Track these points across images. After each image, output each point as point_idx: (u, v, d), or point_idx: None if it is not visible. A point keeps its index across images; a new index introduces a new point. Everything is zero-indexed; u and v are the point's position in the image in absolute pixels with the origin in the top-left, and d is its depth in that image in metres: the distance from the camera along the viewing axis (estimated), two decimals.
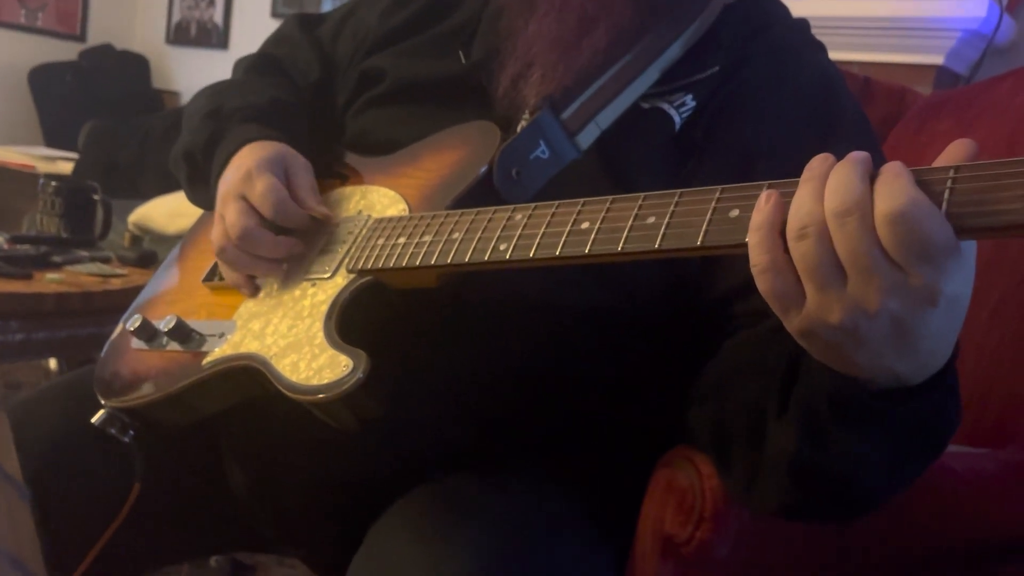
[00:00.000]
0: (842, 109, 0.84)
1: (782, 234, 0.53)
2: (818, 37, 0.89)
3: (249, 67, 1.07)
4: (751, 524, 0.74)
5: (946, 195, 0.49)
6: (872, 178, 0.51)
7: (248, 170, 0.83)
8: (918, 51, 1.93)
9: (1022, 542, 0.89)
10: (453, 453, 0.82)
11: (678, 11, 0.82)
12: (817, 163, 0.54)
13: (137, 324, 0.86)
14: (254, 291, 0.84)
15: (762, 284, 0.54)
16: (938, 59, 1.92)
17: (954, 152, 0.51)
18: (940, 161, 0.52)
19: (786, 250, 0.53)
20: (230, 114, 0.94)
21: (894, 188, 0.49)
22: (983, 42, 1.90)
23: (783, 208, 0.53)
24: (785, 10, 0.90)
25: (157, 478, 0.88)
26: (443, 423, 0.82)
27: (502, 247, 0.66)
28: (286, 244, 0.82)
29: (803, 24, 0.90)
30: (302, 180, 0.85)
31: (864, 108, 0.89)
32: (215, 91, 1.01)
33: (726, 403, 0.71)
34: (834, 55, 0.88)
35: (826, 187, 0.52)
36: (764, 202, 0.54)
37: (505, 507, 0.76)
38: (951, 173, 0.50)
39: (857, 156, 0.53)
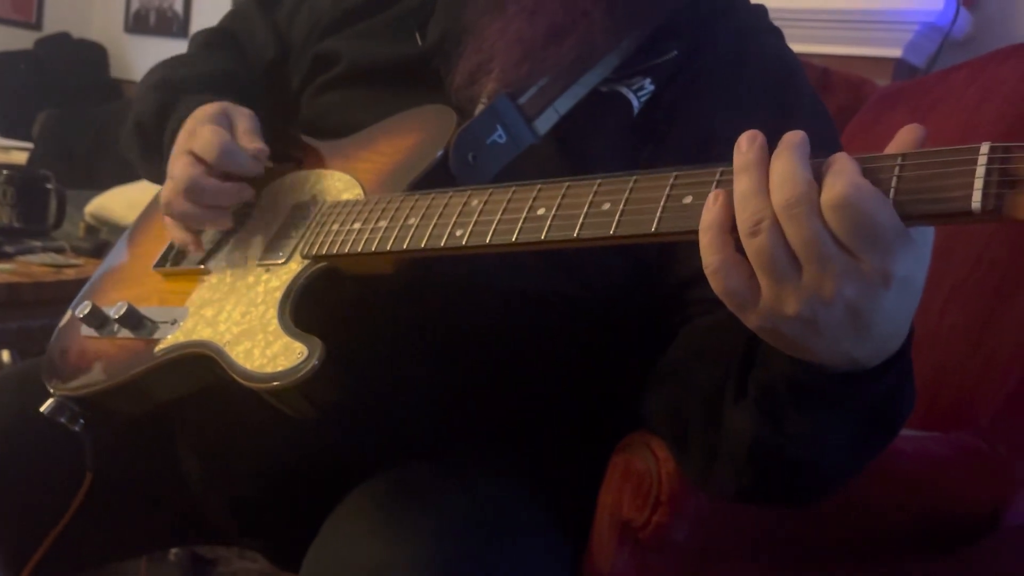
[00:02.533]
0: (800, 95, 0.84)
1: (731, 231, 0.53)
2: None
3: (204, 42, 1.06)
4: (708, 508, 0.74)
5: (894, 182, 0.50)
6: (819, 168, 0.52)
7: (191, 127, 0.83)
8: (876, 44, 1.96)
9: (973, 524, 0.90)
10: (411, 442, 0.82)
11: (651, 19, 0.82)
12: (746, 146, 0.54)
13: (87, 311, 0.84)
14: (201, 249, 0.83)
15: (715, 284, 0.54)
16: (896, 52, 1.94)
17: (904, 138, 0.52)
18: (891, 147, 0.52)
19: (737, 248, 0.53)
20: (180, 84, 0.93)
21: (839, 176, 0.50)
22: (940, 35, 1.92)
23: (731, 205, 0.53)
24: None
25: (109, 468, 0.87)
26: (400, 411, 0.82)
27: (458, 233, 0.66)
28: (233, 189, 0.81)
29: (761, 10, 0.90)
30: (241, 124, 0.84)
31: (822, 98, 0.90)
32: (166, 64, 1.00)
33: (683, 388, 0.71)
34: (793, 47, 0.89)
35: (771, 179, 0.52)
36: (713, 202, 0.54)
37: (462, 497, 0.75)
38: (899, 160, 0.50)
39: (793, 141, 0.53)
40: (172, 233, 0.85)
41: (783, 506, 0.76)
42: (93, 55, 4.22)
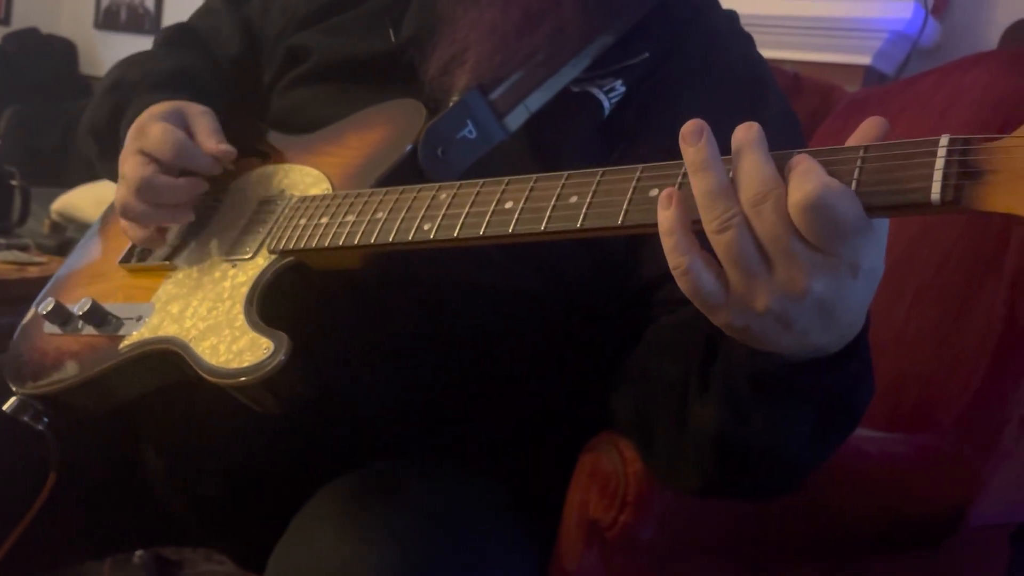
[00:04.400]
0: (768, 99, 0.85)
1: (692, 229, 0.53)
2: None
3: (164, 40, 1.04)
4: (675, 508, 0.75)
5: (856, 174, 0.50)
6: (782, 165, 0.52)
7: (141, 125, 0.82)
8: (847, 51, 1.98)
9: (937, 524, 0.91)
10: (378, 441, 0.81)
11: (623, 15, 0.82)
12: (693, 138, 0.53)
13: (50, 308, 0.83)
14: (164, 246, 0.82)
15: (684, 285, 0.54)
16: (866, 59, 1.96)
17: (866, 131, 0.53)
18: (853, 139, 0.53)
19: (703, 246, 0.53)
20: (132, 85, 0.92)
21: (806, 176, 0.50)
22: (909, 43, 1.95)
23: (688, 203, 0.53)
24: (715, 0, 0.91)
25: (73, 468, 0.86)
26: (367, 409, 0.81)
27: (426, 227, 0.66)
28: (187, 185, 0.80)
29: (732, 15, 0.91)
30: (201, 124, 0.83)
31: (793, 103, 0.91)
32: (121, 64, 0.99)
33: (649, 386, 0.71)
34: (765, 53, 0.90)
35: (738, 175, 0.52)
36: (667, 204, 0.53)
37: (429, 496, 0.75)
38: (861, 153, 0.51)
39: (753, 137, 0.53)
40: (130, 234, 0.84)
41: (748, 500, 0.76)
42: (62, 51, 4.16)
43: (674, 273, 0.53)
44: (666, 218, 0.53)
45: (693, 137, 0.53)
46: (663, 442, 0.69)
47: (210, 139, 0.81)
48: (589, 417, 0.80)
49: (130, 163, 0.80)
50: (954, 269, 1.04)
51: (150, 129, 0.80)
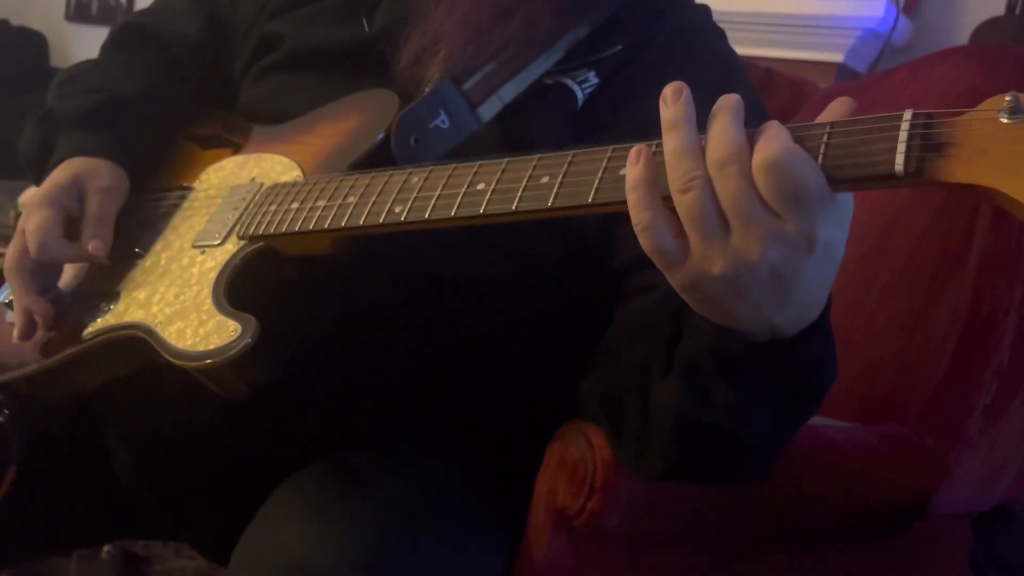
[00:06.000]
0: (739, 90, 0.85)
1: (657, 188, 0.54)
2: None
3: (109, 42, 1.02)
4: (642, 496, 0.75)
5: (822, 148, 0.51)
6: (752, 135, 0.53)
7: (35, 204, 0.81)
8: (819, 48, 1.99)
9: (903, 512, 0.92)
10: (347, 430, 0.81)
11: (596, 8, 0.83)
12: (671, 98, 0.54)
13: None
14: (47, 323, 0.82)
15: (645, 240, 0.54)
16: (838, 57, 1.98)
17: (834, 109, 0.54)
18: (821, 118, 0.54)
19: (666, 205, 0.54)
20: (59, 119, 0.90)
21: (771, 140, 0.51)
22: (881, 41, 1.96)
23: (655, 163, 0.54)
24: None
25: (37, 461, 0.86)
26: (336, 397, 0.81)
27: (397, 209, 0.65)
28: (33, 305, 0.80)
29: (705, 9, 0.92)
30: (92, 205, 0.82)
31: (764, 98, 0.91)
32: (59, 82, 0.97)
33: (616, 370, 0.71)
34: (738, 50, 0.90)
35: (708, 137, 0.53)
36: (636, 159, 0.54)
37: (395, 485, 0.75)
38: (828, 128, 0.52)
39: (729, 103, 0.54)
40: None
41: (712, 483, 0.77)
42: (32, 43, 4.10)
43: (636, 228, 0.54)
44: (633, 172, 0.54)
45: (672, 96, 0.55)
46: (629, 426, 0.69)
47: (88, 229, 0.81)
48: (559, 405, 0.80)
49: (13, 243, 0.82)
50: (922, 261, 1.05)
51: (33, 215, 0.80)
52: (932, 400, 0.94)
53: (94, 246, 0.80)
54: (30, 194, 2.57)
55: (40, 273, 0.81)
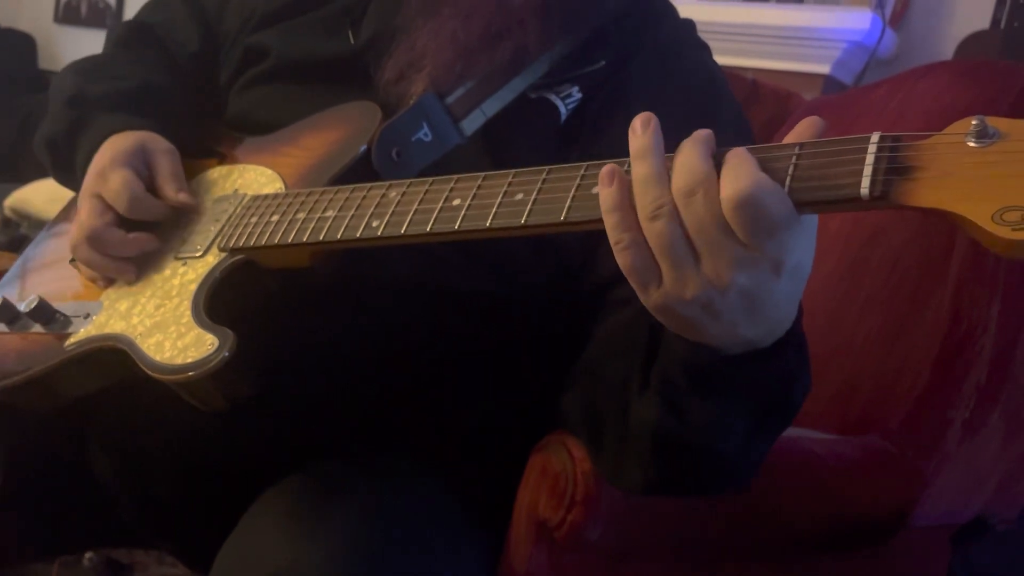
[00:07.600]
0: (720, 107, 0.86)
1: (634, 210, 0.54)
2: (710, 43, 0.91)
3: (119, 40, 1.02)
4: (623, 508, 0.75)
5: (790, 171, 0.51)
6: (718, 160, 0.53)
7: (102, 167, 0.81)
8: (806, 60, 2.01)
9: (882, 525, 0.93)
10: (328, 441, 0.81)
11: (583, 27, 0.83)
12: (640, 128, 0.55)
13: None
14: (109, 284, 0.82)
15: (622, 260, 0.55)
16: (825, 68, 1.99)
17: (802, 129, 0.54)
18: (789, 137, 0.54)
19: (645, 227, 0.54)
20: (94, 101, 0.90)
21: (739, 172, 0.51)
22: (867, 54, 1.98)
23: (628, 184, 0.55)
24: (673, 9, 0.92)
25: (17, 468, 0.85)
26: (317, 409, 0.81)
27: (374, 224, 0.66)
28: (136, 243, 0.80)
29: (689, 24, 0.92)
30: (164, 168, 0.83)
31: (750, 109, 0.92)
32: (79, 70, 0.97)
33: (597, 386, 0.72)
34: (725, 61, 0.91)
35: (674, 166, 0.54)
36: (608, 181, 0.55)
37: (377, 496, 0.75)
38: (796, 150, 0.52)
39: (700, 135, 0.55)
40: (84, 272, 0.84)
41: (692, 496, 0.77)
42: (21, 46, 4.09)
43: (614, 248, 0.55)
44: (608, 195, 0.55)
45: (642, 126, 0.55)
46: (610, 441, 0.70)
47: (170, 186, 0.82)
48: (540, 417, 0.80)
49: (86, 207, 0.80)
50: (903, 275, 1.06)
51: (110, 176, 0.80)
52: (912, 413, 0.95)
53: (185, 196, 0.81)
54: (18, 197, 2.55)
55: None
